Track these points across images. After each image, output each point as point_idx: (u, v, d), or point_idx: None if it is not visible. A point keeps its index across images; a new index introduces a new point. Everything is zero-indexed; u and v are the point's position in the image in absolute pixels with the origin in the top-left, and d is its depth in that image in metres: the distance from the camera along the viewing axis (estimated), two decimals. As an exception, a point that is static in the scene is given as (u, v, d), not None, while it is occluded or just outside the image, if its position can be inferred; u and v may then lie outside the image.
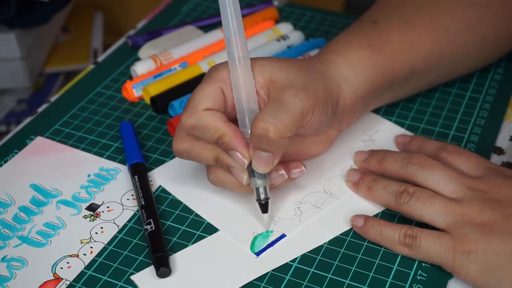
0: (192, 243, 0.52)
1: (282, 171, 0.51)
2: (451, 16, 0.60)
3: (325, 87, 0.52)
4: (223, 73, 0.51)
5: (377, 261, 0.50)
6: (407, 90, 0.61)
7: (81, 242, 0.52)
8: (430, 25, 0.59)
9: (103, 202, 0.56)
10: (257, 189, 0.50)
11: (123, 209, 0.55)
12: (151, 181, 0.57)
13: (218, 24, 0.78)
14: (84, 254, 0.51)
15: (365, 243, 0.51)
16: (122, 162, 0.60)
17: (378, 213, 0.54)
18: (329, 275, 0.49)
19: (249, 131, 0.50)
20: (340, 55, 0.56)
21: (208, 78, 0.51)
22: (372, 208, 0.54)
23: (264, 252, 0.51)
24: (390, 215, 0.54)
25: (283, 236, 0.52)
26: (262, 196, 0.51)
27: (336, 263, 0.50)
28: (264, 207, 0.51)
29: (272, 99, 0.50)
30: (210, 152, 0.50)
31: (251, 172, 0.50)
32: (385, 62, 0.56)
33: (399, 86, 0.59)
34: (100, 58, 0.74)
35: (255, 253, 0.51)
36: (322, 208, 0.54)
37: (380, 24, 0.59)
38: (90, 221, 0.54)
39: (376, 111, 0.64)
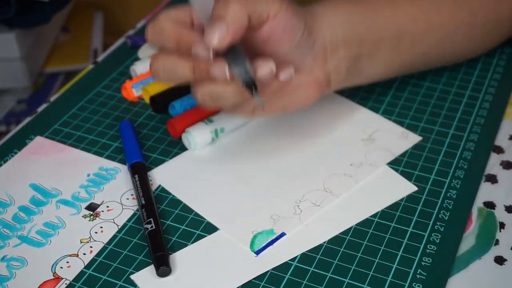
0: (192, 242, 0.52)
1: (271, 63, 0.50)
2: None
3: (304, 13, 0.53)
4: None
5: (376, 260, 0.50)
6: (402, 58, 0.62)
7: (81, 242, 0.52)
8: None
9: (102, 201, 0.56)
10: (242, 72, 0.49)
11: (122, 208, 0.55)
12: (151, 180, 0.57)
13: (217, 24, 0.78)
14: (84, 254, 0.51)
15: (365, 242, 0.52)
16: (121, 161, 0.60)
17: (378, 212, 0.54)
18: (329, 274, 0.49)
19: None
20: (323, 6, 0.57)
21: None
22: (372, 208, 0.54)
23: (264, 251, 0.51)
24: (389, 215, 0.54)
25: (282, 234, 0.52)
26: (246, 77, 0.49)
27: (335, 262, 0.50)
28: (253, 86, 0.50)
29: None
30: (184, 64, 0.50)
31: (230, 64, 0.49)
32: (368, 15, 0.58)
33: (390, 47, 0.59)
34: (100, 58, 0.74)
35: (254, 252, 0.51)
36: (322, 206, 0.54)
37: None
38: (89, 220, 0.54)
39: (376, 110, 0.64)
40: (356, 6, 0.58)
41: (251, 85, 0.50)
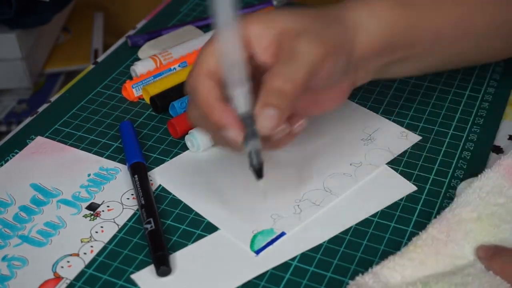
0: (192, 242, 0.52)
1: (283, 126, 0.49)
2: None
3: (339, 34, 0.50)
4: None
5: (376, 260, 0.50)
6: (435, 59, 0.58)
7: (82, 241, 0.53)
8: None
9: (103, 201, 0.56)
10: (250, 154, 0.48)
11: (123, 208, 0.55)
12: (151, 180, 0.57)
13: (217, 24, 0.78)
14: (85, 253, 0.52)
15: (365, 242, 0.52)
16: (122, 161, 0.60)
17: (378, 212, 0.54)
18: (329, 274, 0.49)
19: (236, 105, 0.47)
20: (365, 3, 0.53)
21: (209, 40, 0.50)
22: (371, 208, 0.54)
23: (264, 251, 0.51)
24: (388, 214, 0.54)
25: (282, 234, 0.52)
26: (255, 161, 0.48)
27: (335, 261, 0.50)
28: (258, 173, 0.49)
29: (285, 51, 0.48)
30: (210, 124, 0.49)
31: (245, 136, 0.48)
32: (410, 17, 0.54)
33: (424, 49, 0.56)
34: (100, 58, 0.74)
35: (254, 252, 0.51)
36: (321, 206, 0.54)
37: None
38: (90, 220, 0.54)
39: (375, 110, 0.64)
40: (401, 7, 0.54)
41: (258, 171, 0.49)
